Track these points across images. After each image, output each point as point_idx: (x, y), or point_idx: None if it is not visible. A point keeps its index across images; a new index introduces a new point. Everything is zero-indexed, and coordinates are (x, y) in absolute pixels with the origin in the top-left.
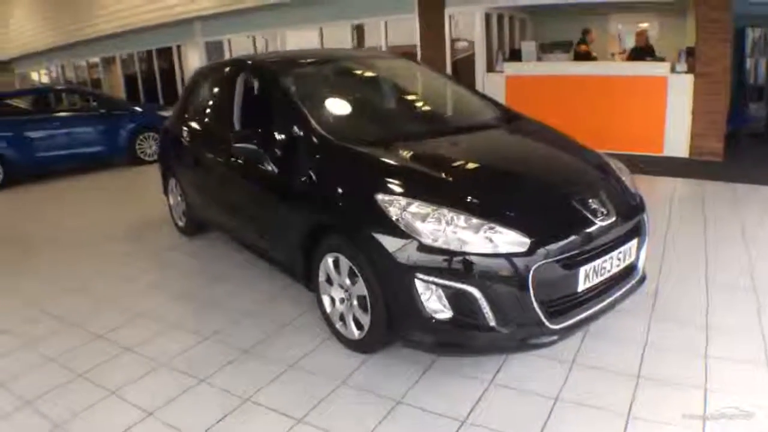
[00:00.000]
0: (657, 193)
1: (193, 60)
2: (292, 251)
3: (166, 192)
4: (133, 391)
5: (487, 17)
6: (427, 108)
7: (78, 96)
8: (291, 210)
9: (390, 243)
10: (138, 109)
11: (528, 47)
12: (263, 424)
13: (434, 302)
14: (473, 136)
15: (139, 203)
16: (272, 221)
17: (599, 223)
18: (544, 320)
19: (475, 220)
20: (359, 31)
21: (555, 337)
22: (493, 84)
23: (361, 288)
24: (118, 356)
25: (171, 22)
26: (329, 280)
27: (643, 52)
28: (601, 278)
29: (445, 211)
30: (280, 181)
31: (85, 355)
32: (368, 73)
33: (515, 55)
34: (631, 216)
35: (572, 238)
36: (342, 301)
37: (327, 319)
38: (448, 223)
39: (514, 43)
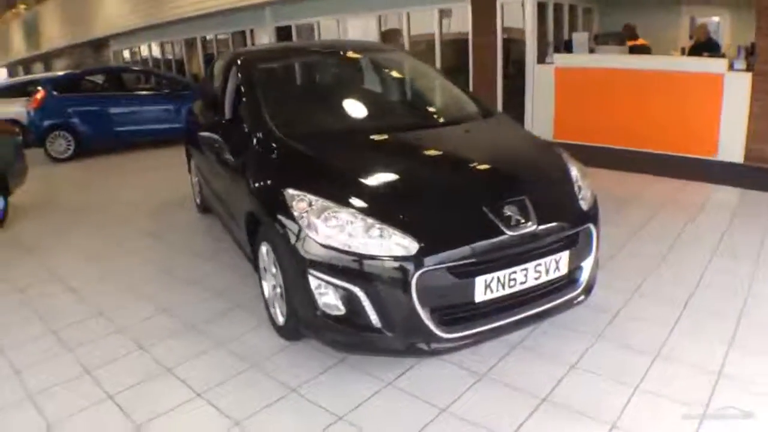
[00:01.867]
0: (685, 202)
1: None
2: (243, 236)
3: (189, 170)
4: (85, 351)
5: (543, 6)
6: (389, 103)
7: (148, 76)
8: (239, 198)
9: (291, 237)
10: None
11: (579, 38)
12: (167, 392)
13: (330, 298)
14: (418, 134)
15: (177, 180)
16: (231, 207)
17: (509, 232)
18: (432, 328)
19: (368, 221)
20: (443, 14)
21: (446, 346)
22: (542, 76)
23: (280, 277)
24: (90, 319)
25: (244, 7)
26: (266, 267)
27: (704, 47)
28: (510, 290)
29: (341, 210)
30: (234, 169)
31: (64, 315)
32: (343, 67)
33: (570, 47)
34: (564, 226)
35: (467, 246)
36: (273, 287)
37: (266, 303)
38: (342, 222)
39: None
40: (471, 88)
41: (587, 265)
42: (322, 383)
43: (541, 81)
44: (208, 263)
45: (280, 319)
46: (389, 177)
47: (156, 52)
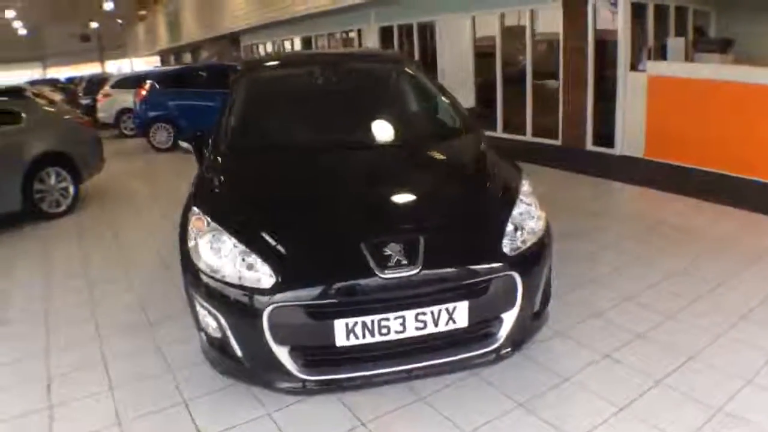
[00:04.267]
0: (752, 246)
1: (370, 44)
2: None
3: None
4: (60, 335)
5: (641, 7)
6: (352, 120)
7: None
8: None
9: (185, 256)
10: None
11: (675, 44)
12: (90, 381)
13: (210, 320)
14: (355, 156)
15: None
16: None
17: (381, 275)
18: (290, 367)
19: (239, 249)
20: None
21: (310, 387)
22: (633, 85)
23: None
24: (81, 306)
25: (352, 6)
26: None
27: None
28: (384, 338)
29: (224, 235)
30: None
31: (63, 299)
32: (324, 80)
33: (665, 54)
34: (462, 273)
35: (325, 285)
36: None
37: None
38: (224, 248)
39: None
40: (561, 94)
41: (509, 317)
42: (213, 400)
43: (632, 90)
44: None
45: None
46: (288, 204)
47: (280, 48)
